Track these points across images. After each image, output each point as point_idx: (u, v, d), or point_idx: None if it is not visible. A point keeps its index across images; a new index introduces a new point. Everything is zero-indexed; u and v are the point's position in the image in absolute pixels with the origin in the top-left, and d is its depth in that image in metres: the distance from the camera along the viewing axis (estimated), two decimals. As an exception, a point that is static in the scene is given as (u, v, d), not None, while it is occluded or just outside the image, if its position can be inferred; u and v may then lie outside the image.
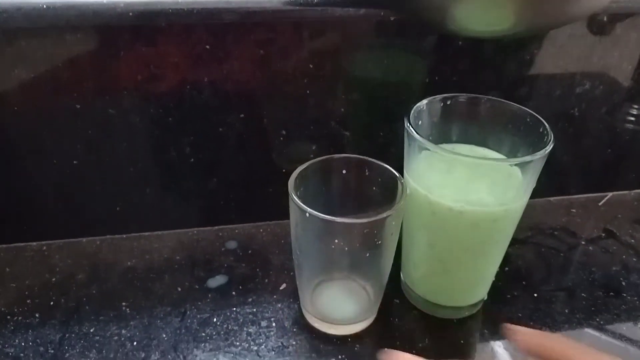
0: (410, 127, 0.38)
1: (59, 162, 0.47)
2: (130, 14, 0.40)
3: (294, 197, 0.37)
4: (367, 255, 0.39)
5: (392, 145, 0.50)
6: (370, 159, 0.41)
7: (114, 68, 0.43)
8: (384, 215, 0.36)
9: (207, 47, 0.43)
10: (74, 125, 0.45)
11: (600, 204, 0.59)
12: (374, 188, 0.41)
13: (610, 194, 0.60)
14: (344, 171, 0.42)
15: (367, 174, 0.41)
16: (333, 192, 0.42)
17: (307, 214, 0.36)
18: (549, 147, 0.36)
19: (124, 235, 0.52)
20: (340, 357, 0.40)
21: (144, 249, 0.51)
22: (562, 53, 0.50)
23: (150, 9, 0.40)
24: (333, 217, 0.35)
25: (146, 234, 0.52)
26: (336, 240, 0.37)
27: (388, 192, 0.39)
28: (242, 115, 0.47)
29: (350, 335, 0.42)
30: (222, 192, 0.52)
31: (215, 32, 0.43)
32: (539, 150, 0.36)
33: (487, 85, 0.50)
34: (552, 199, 0.59)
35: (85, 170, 0.48)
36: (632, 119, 0.57)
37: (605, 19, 0.49)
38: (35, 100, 0.43)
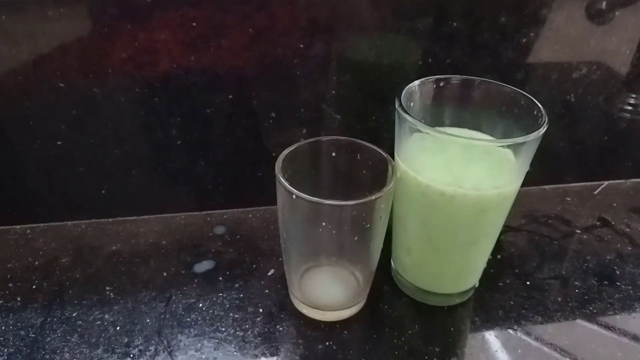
0: (401, 108, 0.37)
1: (42, 142, 0.46)
2: (114, -13, 0.39)
3: (281, 179, 0.36)
4: (356, 239, 0.38)
5: (384, 128, 0.49)
6: (360, 141, 0.40)
7: (99, 45, 0.42)
8: (373, 197, 0.35)
9: (194, 24, 0.42)
10: (58, 104, 0.44)
11: (595, 192, 0.58)
12: (364, 171, 0.40)
13: (606, 183, 0.59)
14: (333, 154, 0.41)
15: (357, 156, 0.40)
16: (322, 175, 0.41)
17: (294, 196, 0.35)
18: (543, 129, 0.35)
19: (110, 219, 0.51)
20: (328, 343, 0.39)
21: (130, 233, 0.50)
22: (559, 36, 0.49)
23: (135, -16, 0.39)
24: (320, 199, 0.34)
25: (132, 218, 0.51)
26: (324, 224, 0.36)
27: (378, 174, 0.39)
28: (230, 97, 0.46)
29: (339, 322, 0.41)
30: (210, 176, 0.50)
31: (203, 9, 0.41)
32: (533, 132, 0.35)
33: (482, 69, 0.49)
34: (546, 187, 0.58)
35: (69, 151, 0.46)
36: (629, 107, 0.56)
37: (604, 6, 0.48)
38: (18, 77, 0.42)
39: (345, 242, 0.39)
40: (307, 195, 0.35)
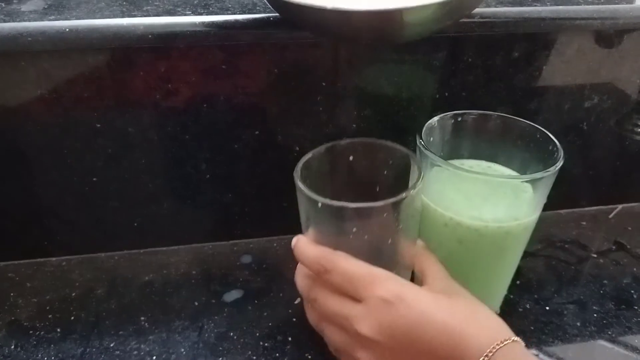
0: (422, 145, 0.39)
1: (79, 178, 0.48)
2: (150, 36, 0.41)
3: (302, 187, 0.34)
4: (390, 242, 0.37)
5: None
6: (377, 140, 0.39)
7: (133, 87, 0.44)
8: (403, 195, 0.34)
9: (223, 66, 0.44)
10: (95, 142, 0.46)
11: (610, 216, 0.60)
12: (385, 172, 0.39)
13: (620, 206, 0.61)
14: (351, 157, 0.40)
15: (376, 156, 0.39)
16: (343, 179, 0.40)
17: (320, 204, 0.33)
18: (559, 164, 0.37)
19: (142, 250, 0.53)
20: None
21: (161, 263, 0.52)
22: (570, 68, 0.51)
23: (169, 31, 0.42)
24: (348, 203, 0.33)
25: (163, 248, 0.53)
26: (354, 230, 0.35)
27: (401, 172, 0.38)
28: (256, 132, 0.48)
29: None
30: (237, 206, 0.53)
31: (231, 52, 0.44)
32: (549, 167, 0.37)
33: (496, 100, 0.51)
34: (562, 211, 0.60)
35: (104, 186, 0.49)
36: (641, 130, 0.57)
37: (612, 32, 0.50)
38: (58, 118, 0.45)
39: (378, 246, 0.37)
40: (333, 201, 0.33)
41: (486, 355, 0.30)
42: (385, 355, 0.33)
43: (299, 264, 0.39)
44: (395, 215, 0.35)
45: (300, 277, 0.39)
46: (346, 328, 0.35)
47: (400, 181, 0.37)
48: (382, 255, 0.38)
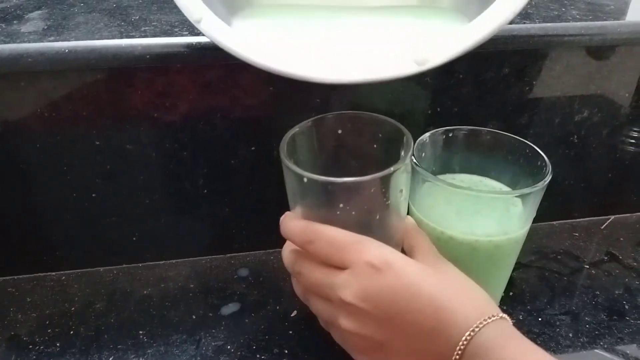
0: (414, 160, 0.40)
1: (78, 194, 0.49)
2: (148, 56, 0.42)
3: (287, 162, 0.34)
4: (378, 217, 0.36)
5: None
6: (365, 113, 0.38)
7: (131, 105, 0.45)
8: (391, 169, 0.33)
9: (220, 84, 0.45)
10: (93, 159, 0.47)
11: (602, 227, 0.60)
12: (375, 146, 0.39)
13: (612, 217, 0.61)
14: (339, 131, 0.39)
15: (365, 130, 0.39)
16: (331, 154, 0.39)
17: (305, 179, 0.33)
18: (547, 179, 0.38)
19: (140, 264, 0.54)
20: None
21: (159, 277, 0.52)
22: (559, 83, 0.52)
23: (167, 52, 0.43)
24: (334, 178, 0.33)
25: (161, 262, 0.54)
26: (341, 205, 0.34)
27: (391, 147, 0.37)
28: (253, 148, 0.49)
29: None
30: (234, 221, 0.53)
31: (228, 71, 0.45)
32: (538, 181, 0.38)
33: (487, 115, 0.52)
34: (555, 222, 0.60)
35: (103, 202, 0.50)
36: (633, 141, 0.58)
37: (601, 47, 0.51)
38: (57, 136, 0.46)
39: (365, 222, 0.36)
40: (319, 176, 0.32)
41: (472, 331, 0.30)
42: (368, 325, 0.33)
43: (287, 242, 0.39)
44: (383, 190, 0.34)
45: (287, 253, 0.38)
46: (331, 297, 0.34)
47: (390, 156, 0.36)
48: (370, 232, 0.36)
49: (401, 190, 0.36)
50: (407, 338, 0.32)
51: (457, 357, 0.30)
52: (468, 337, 0.30)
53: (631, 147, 0.58)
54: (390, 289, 0.32)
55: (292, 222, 0.37)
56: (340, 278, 0.33)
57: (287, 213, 0.38)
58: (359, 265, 0.33)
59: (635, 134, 0.58)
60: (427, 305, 0.31)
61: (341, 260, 0.33)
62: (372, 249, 0.33)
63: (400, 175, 0.35)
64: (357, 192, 0.34)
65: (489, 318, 0.31)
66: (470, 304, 0.32)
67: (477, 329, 0.30)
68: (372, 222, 0.36)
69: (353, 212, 0.35)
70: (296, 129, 0.38)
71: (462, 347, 0.30)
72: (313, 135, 0.38)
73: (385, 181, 0.34)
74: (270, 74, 0.46)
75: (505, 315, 0.32)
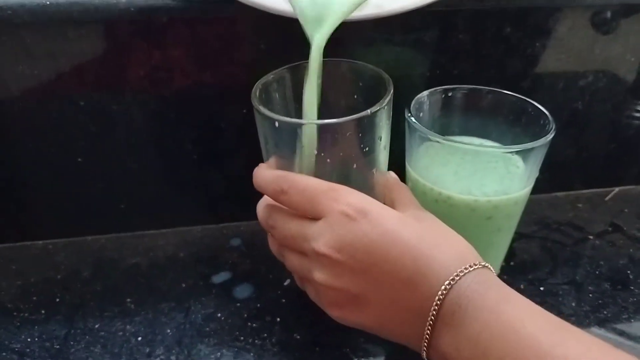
0: (411, 118, 0.38)
1: (62, 159, 0.47)
2: (132, 9, 0.40)
3: (258, 106, 0.32)
4: (355, 167, 0.34)
5: (393, 139, 0.50)
6: (346, 60, 0.36)
7: (116, 63, 0.43)
8: (369, 111, 0.31)
9: (208, 41, 0.43)
10: (77, 121, 0.45)
11: (606, 198, 0.59)
12: (355, 96, 0.37)
13: (616, 189, 0.60)
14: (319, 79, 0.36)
15: (345, 78, 0.37)
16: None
17: (277, 123, 0.31)
18: (551, 135, 0.36)
19: (129, 233, 0.52)
20: (345, 350, 0.40)
21: (148, 246, 0.51)
22: (563, 45, 0.50)
23: (152, 4, 0.41)
24: (306, 120, 0.31)
25: (150, 231, 0.52)
26: (315, 152, 0.32)
27: (373, 97, 0.34)
28: (244, 110, 0.47)
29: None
30: (225, 188, 0.52)
31: (216, 25, 0.43)
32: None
33: (488, 79, 0.49)
34: (558, 194, 0.59)
35: (88, 168, 0.48)
36: (638, 114, 0.56)
37: (608, 15, 0.49)
38: (38, 96, 0.44)
39: (342, 172, 0.34)
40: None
41: (452, 279, 0.28)
42: (343, 277, 0.30)
43: (263, 197, 0.37)
44: (360, 136, 0.32)
45: (261, 208, 0.36)
46: (305, 250, 0.32)
47: (372, 104, 0.33)
48: (347, 183, 0.34)
49: (380, 138, 0.33)
50: (383, 289, 0.30)
51: (436, 307, 0.28)
52: (447, 286, 0.28)
53: (636, 120, 0.57)
54: (366, 237, 0.30)
55: (265, 172, 0.34)
56: (314, 228, 0.31)
57: (260, 164, 0.36)
58: (333, 214, 0.30)
59: (640, 107, 0.56)
60: (404, 253, 0.29)
61: (315, 210, 0.31)
62: (347, 197, 0.31)
63: (379, 121, 0.32)
64: (332, 137, 0.32)
65: (470, 267, 0.29)
66: (450, 251, 0.30)
67: (457, 278, 0.28)
68: (349, 172, 0.34)
69: (328, 160, 0.33)
70: (270, 76, 0.35)
71: (441, 296, 0.28)
72: (288, 83, 0.36)
73: (362, 125, 0.32)
74: (260, 28, 0.44)
75: (488, 264, 0.30)
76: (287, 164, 0.34)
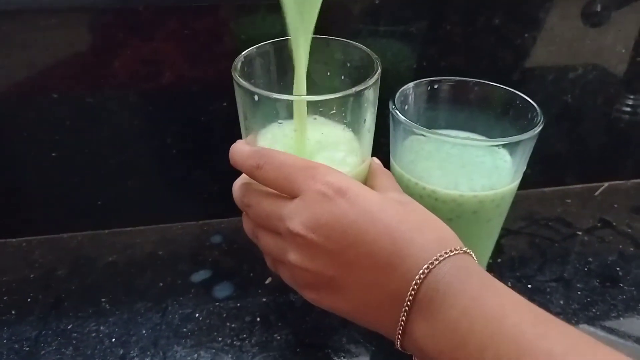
0: (396, 110, 0.37)
1: (37, 153, 0.45)
2: (106, -3, 0.39)
3: (238, 79, 0.30)
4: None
5: (380, 133, 0.48)
6: (333, 37, 0.35)
7: (91, 53, 0.42)
8: (353, 90, 0.29)
9: (186, 32, 0.42)
10: (52, 114, 0.44)
11: (596, 194, 0.58)
12: (343, 77, 0.35)
13: (606, 184, 0.59)
14: None
15: (332, 57, 0.35)
16: (290, 84, 0.34)
17: (256, 97, 0.30)
18: (538, 128, 0.35)
19: (106, 231, 0.50)
20: (326, 351, 0.39)
21: (126, 243, 0.49)
22: (554, 37, 0.48)
23: (126, -8, 0.39)
24: (286, 95, 0.30)
25: (128, 229, 0.51)
26: (295, 130, 0.31)
27: (360, 77, 0.32)
28: (225, 104, 0.46)
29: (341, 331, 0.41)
30: (206, 184, 0.50)
31: (196, 14, 0.41)
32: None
33: (477, 71, 0.48)
34: (546, 189, 0.58)
35: (65, 163, 0.46)
36: (628, 109, 0.55)
37: (598, 7, 0.48)
38: (11, 88, 0.42)
39: None
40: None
41: (431, 263, 0.26)
42: (318, 258, 0.29)
43: (240, 176, 0.35)
44: (343, 115, 0.31)
45: (237, 186, 0.35)
46: (279, 230, 0.30)
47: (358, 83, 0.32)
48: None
49: (365, 120, 0.32)
50: (359, 272, 0.28)
51: (413, 292, 0.26)
52: (426, 270, 0.26)
53: (627, 109, 0.55)
54: (344, 217, 0.28)
55: (242, 147, 0.33)
56: (290, 207, 0.29)
57: (238, 140, 0.34)
58: (309, 192, 0.29)
59: (630, 102, 0.55)
60: (383, 234, 0.27)
61: (291, 188, 0.30)
62: (325, 176, 0.29)
63: (364, 101, 0.31)
64: (314, 114, 0.31)
65: (451, 251, 0.27)
66: (431, 235, 0.28)
67: (436, 262, 0.26)
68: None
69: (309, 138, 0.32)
70: (253, 49, 0.33)
71: (418, 281, 0.26)
72: (271, 59, 0.34)
73: (345, 104, 0.30)
74: (242, 17, 0.42)
75: (469, 250, 0.28)
76: (267, 143, 0.32)
